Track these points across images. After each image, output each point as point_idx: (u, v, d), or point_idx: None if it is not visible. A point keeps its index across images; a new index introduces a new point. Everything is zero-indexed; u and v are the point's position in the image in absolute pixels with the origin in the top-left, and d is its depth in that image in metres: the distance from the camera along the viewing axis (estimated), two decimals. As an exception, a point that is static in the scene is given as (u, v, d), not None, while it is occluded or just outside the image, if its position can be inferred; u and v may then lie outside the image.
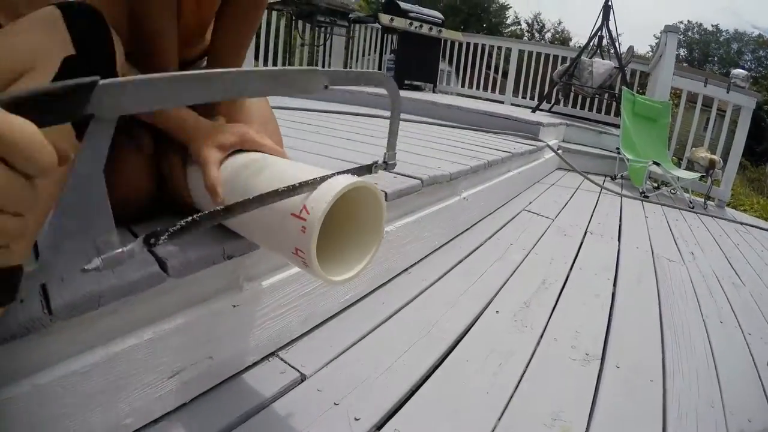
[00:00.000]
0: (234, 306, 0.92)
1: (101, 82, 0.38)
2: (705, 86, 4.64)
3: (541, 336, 1.33)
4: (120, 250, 0.47)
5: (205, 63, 1.09)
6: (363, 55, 6.95)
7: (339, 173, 0.72)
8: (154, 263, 0.78)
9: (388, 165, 0.85)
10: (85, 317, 0.68)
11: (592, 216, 2.84)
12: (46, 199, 0.46)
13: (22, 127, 0.31)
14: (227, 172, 0.81)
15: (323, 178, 0.69)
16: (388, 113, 0.84)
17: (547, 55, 6.74)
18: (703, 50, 43.92)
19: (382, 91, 0.78)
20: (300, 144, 1.95)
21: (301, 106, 3.25)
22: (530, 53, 6.88)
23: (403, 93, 4.58)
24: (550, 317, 1.45)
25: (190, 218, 0.56)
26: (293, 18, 5.43)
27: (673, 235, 2.82)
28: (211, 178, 0.79)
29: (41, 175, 0.32)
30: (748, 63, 41.68)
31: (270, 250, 0.90)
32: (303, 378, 1.00)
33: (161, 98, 0.44)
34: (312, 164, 0.79)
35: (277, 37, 5.57)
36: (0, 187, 0.30)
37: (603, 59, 5.53)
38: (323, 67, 5.83)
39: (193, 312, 0.85)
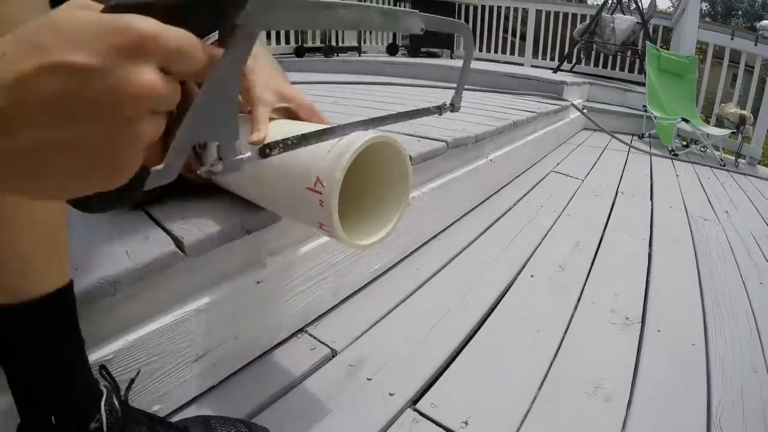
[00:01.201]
0: (257, 282, 0.88)
1: None
2: (732, 39, 4.46)
3: (579, 300, 1.28)
4: (240, 156, 0.48)
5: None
6: (377, 24, 6.84)
7: (371, 123, 0.67)
8: (170, 242, 0.74)
9: (454, 107, 0.82)
10: (102, 304, 0.65)
11: (622, 176, 2.76)
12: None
13: (186, 36, 0.33)
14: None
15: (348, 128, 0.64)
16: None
17: (566, 14, 6.54)
18: (727, 4, 42.68)
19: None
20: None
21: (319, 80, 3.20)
22: (548, 13, 6.69)
23: (420, 60, 4.52)
24: (586, 280, 1.40)
25: (299, 135, 0.57)
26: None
27: (706, 193, 2.73)
28: (256, 114, 0.73)
29: (195, 79, 0.36)
30: (776, 13, 40.47)
31: (297, 222, 0.86)
32: (334, 354, 0.97)
33: (301, 19, 0.46)
34: None
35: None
36: (160, 89, 0.31)
37: (624, 15, 5.36)
38: (337, 39, 5.78)
39: (215, 291, 0.82)
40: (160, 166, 0.39)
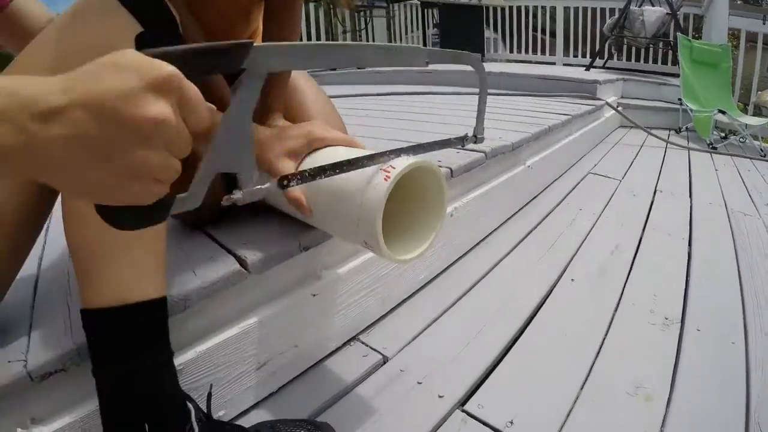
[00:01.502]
0: (313, 295, 0.95)
1: (255, 44, 0.47)
2: (765, 23, 4.39)
3: (619, 302, 1.31)
4: (258, 186, 0.56)
5: None
6: (406, 33, 6.88)
7: (409, 150, 0.74)
8: (234, 262, 0.81)
9: (477, 138, 0.87)
10: (174, 319, 0.71)
11: (660, 173, 2.75)
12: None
13: (198, 93, 0.41)
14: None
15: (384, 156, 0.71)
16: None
17: (594, 9, 6.49)
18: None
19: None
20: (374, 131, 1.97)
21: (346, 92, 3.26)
22: (576, 9, 6.65)
23: (450, 67, 4.54)
24: (626, 282, 1.42)
25: (316, 167, 0.66)
26: (330, 6, 5.42)
27: (746, 187, 2.70)
28: (292, 192, 0.79)
29: (203, 139, 0.43)
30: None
31: (344, 241, 0.92)
32: (385, 360, 1.03)
33: (299, 61, 0.55)
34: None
35: (318, 28, 5.57)
36: (174, 134, 0.39)
37: (653, 6, 5.31)
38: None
39: (276, 304, 0.89)
40: (184, 194, 0.46)
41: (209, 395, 0.72)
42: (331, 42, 0.56)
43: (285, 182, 0.63)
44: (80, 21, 0.64)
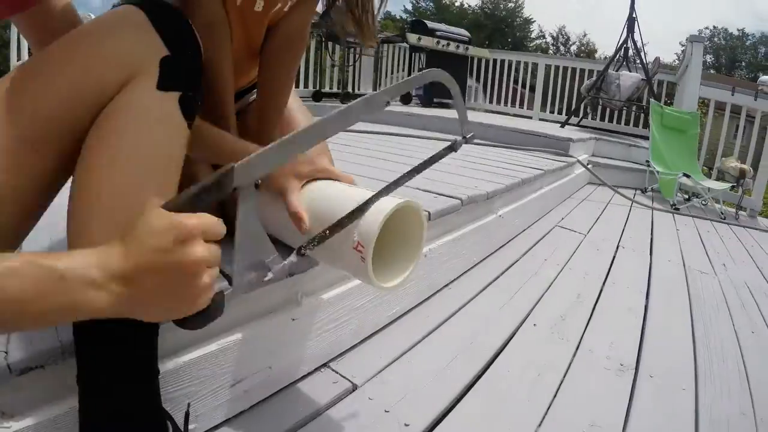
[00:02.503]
0: (293, 319, 1.00)
1: (235, 166, 0.57)
2: (732, 95, 4.62)
3: (577, 347, 1.38)
4: (283, 263, 0.68)
5: (254, 94, 1.16)
6: (392, 73, 7.03)
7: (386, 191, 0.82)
8: (222, 279, 0.85)
9: (467, 139, 0.93)
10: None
11: (623, 230, 2.87)
12: None
13: (211, 220, 0.54)
14: (304, 198, 0.88)
15: (370, 201, 0.79)
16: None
17: (574, 69, 6.76)
18: (730, 56, 43.21)
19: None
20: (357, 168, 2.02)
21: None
22: (557, 67, 6.90)
23: (432, 111, 4.66)
24: (585, 330, 1.50)
25: (325, 231, 0.76)
26: (323, 39, 5.54)
27: (704, 247, 2.83)
28: (294, 206, 0.84)
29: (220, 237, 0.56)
30: (778, 66, 40.89)
31: (332, 266, 0.99)
32: (354, 387, 1.07)
33: (275, 160, 0.63)
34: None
35: (307, 59, 5.67)
36: (209, 258, 0.53)
37: (630, 71, 5.54)
38: (354, 85, 5.95)
39: (257, 325, 0.94)
40: (230, 290, 0.63)
41: (187, 414, 0.75)
42: (291, 134, 0.64)
43: (302, 251, 0.75)
44: (108, 32, 0.67)
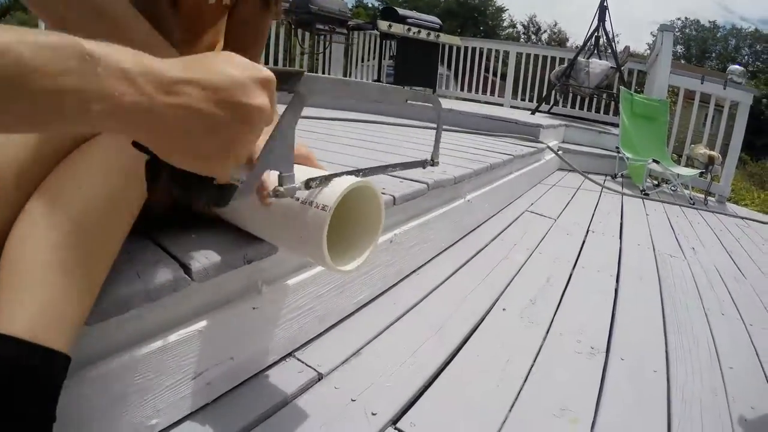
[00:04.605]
0: (254, 308, 0.96)
1: (306, 74, 0.57)
2: (702, 83, 4.68)
3: (548, 331, 1.37)
4: (295, 184, 0.66)
5: None
6: (362, 61, 7.00)
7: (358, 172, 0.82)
8: (179, 268, 0.82)
9: (433, 162, 1.00)
10: (113, 321, 0.72)
11: (593, 215, 2.88)
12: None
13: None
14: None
15: (334, 176, 0.77)
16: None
17: (545, 57, 6.80)
18: (701, 46, 43.94)
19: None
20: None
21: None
22: (528, 55, 6.93)
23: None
24: (555, 313, 1.49)
25: (330, 173, 0.76)
26: (292, 26, 5.48)
27: (674, 231, 2.86)
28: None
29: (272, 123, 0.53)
30: (746, 57, 41.74)
31: (292, 252, 0.96)
32: (320, 377, 1.05)
33: (336, 90, 0.69)
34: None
35: (276, 45, 5.62)
36: (267, 122, 0.50)
37: (600, 59, 5.58)
38: (324, 73, 5.91)
39: (216, 314, 0.90)
40: (242, 184, 0.56)
41: None
42: (357, 80, 0.71)
43: (310, 183, 0.73)
44: None
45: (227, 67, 0.45)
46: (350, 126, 3.21)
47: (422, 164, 0.96)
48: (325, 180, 0.74)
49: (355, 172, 0.81)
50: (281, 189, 0.64)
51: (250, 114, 0.46)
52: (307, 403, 0.96)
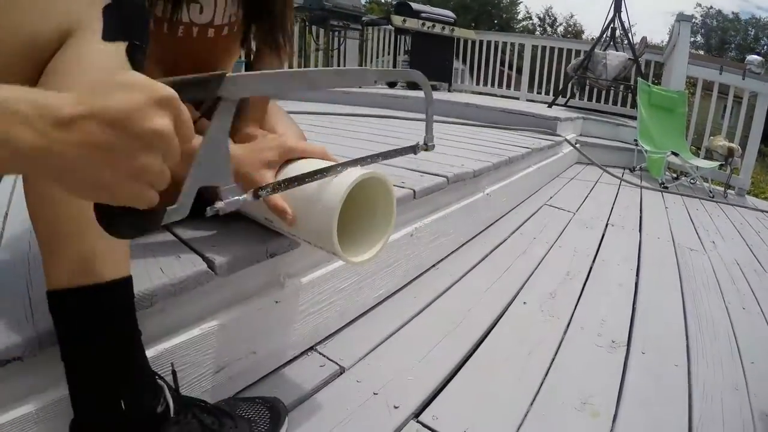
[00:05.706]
0: (276, 302, 0.97)
1: (228, 74, 0.54)
2: (720, 74, 4.61)
3: (568, 325, 1.37)
4: (237, 198, 0.62)
5: None
6: (377, 57, 6.99)
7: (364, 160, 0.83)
8: (202, 262, 0.83)
9: (428, 146, 0.94)
10: (138, 315, 0.71)
11: (612, 208, 2.86)
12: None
13: (188, 113, 0.47)
14: None
15: (343, 167, 0.78)
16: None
17: (561, 49, 6.73)
18: (721, 37, 43.31)
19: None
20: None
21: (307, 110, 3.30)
22: (543, 48, 6.87)
23: (417, 93, 4.63)
24: (575, 307, 1.48)
25: (281, 180, 0.75)
26: (307, 23, 5.49)
27: (693, 224, 2.83)
28: (274, 200, 0.82)
29: (188, 142, 0.48)
30: (765, 48, 41.10)
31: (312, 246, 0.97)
32: (342, 370, 1.05)
33: (267, 87, 0.62)
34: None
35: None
36: (171, 145, 0.45)
37: (617, 51, 5.52)
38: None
39: (239, 308, 0.91)
40: (174, 206, 0.53)
41: (174, 373, 0.73)
42: (292, 69, 0.63)
43: (259, 192, 0.70)
44: None
45: (122, 92, 0.43)
46: (350, 120, 3.22)
47: (413, 150, 0.93)
48: (294, 180, 0.74)
49: (352, 163, 0.81)
50: (220, 205, 0.62)
51: (145, 139, 0.43)
52: (330, 397, 0.97)
